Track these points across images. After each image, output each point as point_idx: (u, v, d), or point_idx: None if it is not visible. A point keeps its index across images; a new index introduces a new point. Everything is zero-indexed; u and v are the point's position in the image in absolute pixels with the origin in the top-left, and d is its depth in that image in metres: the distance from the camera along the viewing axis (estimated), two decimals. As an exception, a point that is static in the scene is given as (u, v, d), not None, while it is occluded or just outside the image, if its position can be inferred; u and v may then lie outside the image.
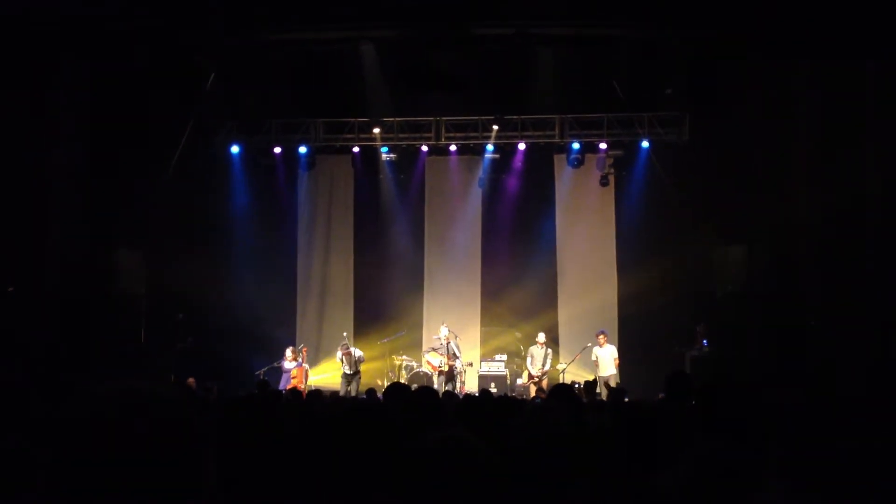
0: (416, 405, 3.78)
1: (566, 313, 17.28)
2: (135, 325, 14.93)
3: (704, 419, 2.78)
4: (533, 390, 14.52)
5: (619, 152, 16.75)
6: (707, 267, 15.31)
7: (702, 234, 15.41)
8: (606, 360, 14.81)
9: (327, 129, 16.93)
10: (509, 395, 13.68)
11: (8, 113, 12.94)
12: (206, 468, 1.38)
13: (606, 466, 2.92)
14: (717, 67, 14.68)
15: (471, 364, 16.12)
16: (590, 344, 15.16)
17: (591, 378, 13.69)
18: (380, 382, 15.63)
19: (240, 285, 16.59)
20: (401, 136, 16.85)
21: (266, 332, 16.56)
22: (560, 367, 15.47)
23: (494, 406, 4.70)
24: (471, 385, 15.95)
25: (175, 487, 1.32)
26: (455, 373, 15.20)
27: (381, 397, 9.63)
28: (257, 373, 14.87)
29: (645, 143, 16.35)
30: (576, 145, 16.47)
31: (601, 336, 14.97)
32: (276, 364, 15.29)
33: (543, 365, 15.01)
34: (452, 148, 16.99)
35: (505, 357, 16.27)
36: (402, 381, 14.68)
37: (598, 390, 13.04)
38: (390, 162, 17.31)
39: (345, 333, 16.05)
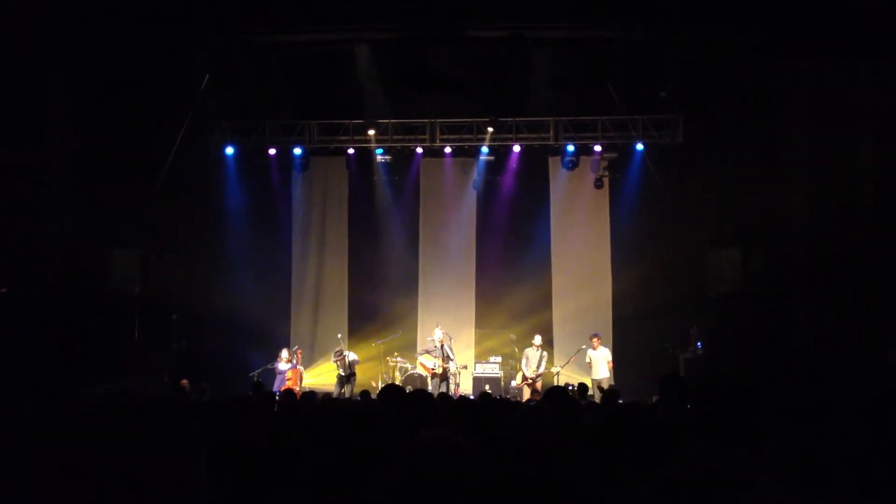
0: (411, 407, 3.77)
1: (560, 315, 17.29)
2: (128, 326, 14.89)
3: (700, 420, 2.78)
4: (527, 392, 14.52)
5: (613, 155, 16.79)
6: (701, 269, 15.34)
7: (696, 236, 15.45)
8: (600, 363, 14.85)
9: (322, 131, 16.93)
10: (504, 396, 13.68)
11: (1, 112, 12.91)
12: (198, 470, 1.37)
13: (601, 468, 2.92)
14: (710, 70, 14.73)
15: (465, 366, 16.12)
16: (584, 346, 15.19)
17: (584, 380, 13.71)
18: (374, 384, 15.61)
19: (234, 286, 16.57)
20: (395, 137, 16.85)
21: (260, 334, 16.55)
22: (555, 370, 15.48)
23: (489, 408, 4.70)
24: (465, 387, 15.95)
25: (167, 490, 1.31)
26: (449, 375, 15.20)
27: (376, 399, 9.62)
28: (251, 374, 14.85)
29: (639, 146, 16.39)
30: (570, 147, 16.50)
31: (595, 339, 15.01)
32: (270, 365, 15.26)
33: (538, 367, 15.02)
34: (447, 150, 17.00)
35: (499, 359, 16.28)
36: (397, 382, 14.68)
37: (590, 392, 13.06)
38: (385, 164, 17.33)
39: (339, 335, 16.06)
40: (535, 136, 16.72)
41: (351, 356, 15.30)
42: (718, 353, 14.40)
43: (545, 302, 17.32)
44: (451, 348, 15.34)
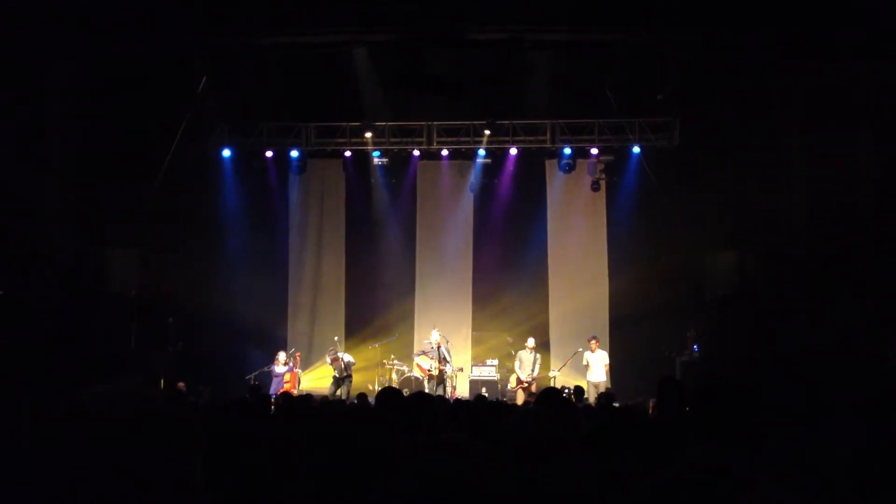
0: (410, 409, 3.77)
1: (557, 318, 17.30)
2: (125, 327, 14.87)
3: (698, 422, 2.78)
4: (521, 395, 14.47)
5: (610, 157, 16.82)
6: (698, 271, 15.35)
7: (692, 239, 15.46)
8: (597, 366, 14.84)
9: (319, 133, 16.93)
10: (501, 399, 13.66)
11: (0, 112, 12.89)
12: (196, 472, 1.37)
13: (599, 471, 2.92)
14: (707, 73, 14.75)
15: (461, 369, 16.11)
16: (581, 349, 15.19)
17: (581, 383, 13.71)
18: (371, 387, 15.59)
19: (231, 288, 16.55)
20: (392, 140, 16.86)
21: (257, 336, 16.54)
22: (552, 373, 15.47)
23: (486, 410, 4.70)
24: (462, 390, 15.94)
25: (164, 491, 1.31)
26: (445, 377, 15.18)
27: (373, 401, 9.61)
28: (248, 377, 14.82)
29: (636, 149, 16.41)
30: (567, 150, 16.51)
31: (593, 341, 14.99)
32: (267, 368, 15.24)
33: (532, 370, 14.99)
34: (444, 152, 17.00)
35: (496, 361, 16.27)
36: (393, 385, 14.66)
37: (586, 395, 13.04)
38: (382, 166, 17.33)
39: (336, 338, 16.03)
40: (532, 138, 16.73)
41: (347, 357, 15.28)
42: (715, 355, 14.41)
43: (542, 304, 17.33)
44: (447, 350, 15.34)
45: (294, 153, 16.89)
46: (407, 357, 16.50)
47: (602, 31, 13.50)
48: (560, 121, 16.47)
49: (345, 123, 16.67)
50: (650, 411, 9.51)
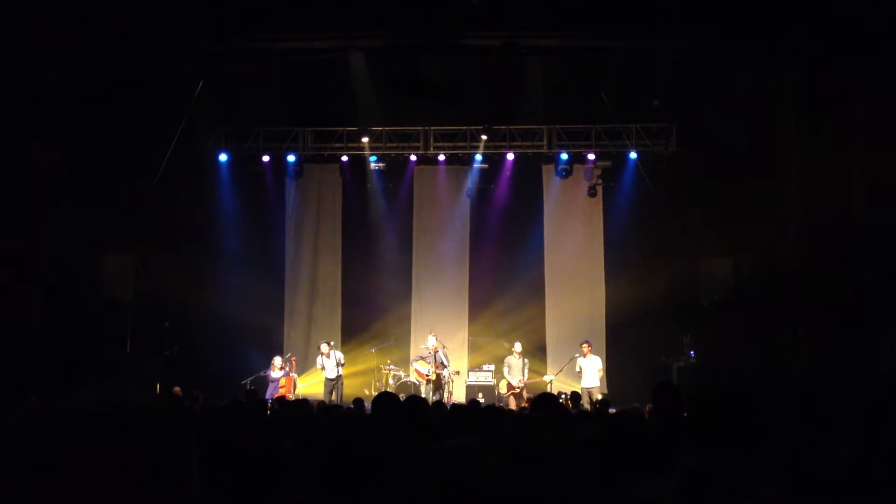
0: (406, 413, 3.77)
1: (554, 323, 17.31)
2: (121, 333, 14.84)
3: (695, 427, 2.78)
4: (513, 401, 14.39)
5: (606, 163, 16.84)
6: (694, 277, 15.36)
7: (688, 245, 15.49)
8: (590, 371, 14.65)
9: (315, 138, 16.95)
10: (497, 405, 13.64)
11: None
12: (191, 477, 1.37)
13: (594, 476, 2.92)
14: (703, 79, 14.78)
15: (458, 372, 16.10)
16: (577, 354, 15.15)
17: (575, 388, 13.67)
18: (367, 392, 15.56)
19: (228, 293, 16.53)
20: (389, 145, 16.88)
21: (253, 341, 16.50)
22: (547, 378, 15.45)
23: (482, 415, 4.69)
24: (458, 394, 15.93)
25: (159, 496, 1.30)
26: (443, 382, 15.17)
27: (370, 407, 9.60)
28: (244, 382, 14.79)
29: (633, 154, 16.44)
30: (564, 156, 16.54)
31: (585, 346, 14.78)
32: (263, 373, 15.20)
33: (522, 374, 14.92)
34: (441, 157, 17.03)
35: (493, 367, 16.24)
36: (390, 390, 14.62)
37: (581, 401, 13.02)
38: (378, 171, 17.33)
39: (332, 342, 15.95)
40: (528, 144, 16.77)
41: (338, 353, 15.19)
42: (712, 361, 14.42)
43: (538, 309, 17.34)
44: (445, 355, 15.32)
45: (291, 158, 16.91)
46: (404, 362, 16.50)
47: (597, 36, 13.52)
48: (557, 126, 16.51)
49: (341, 128, 16.68)
50: (646, 416, 9.50)
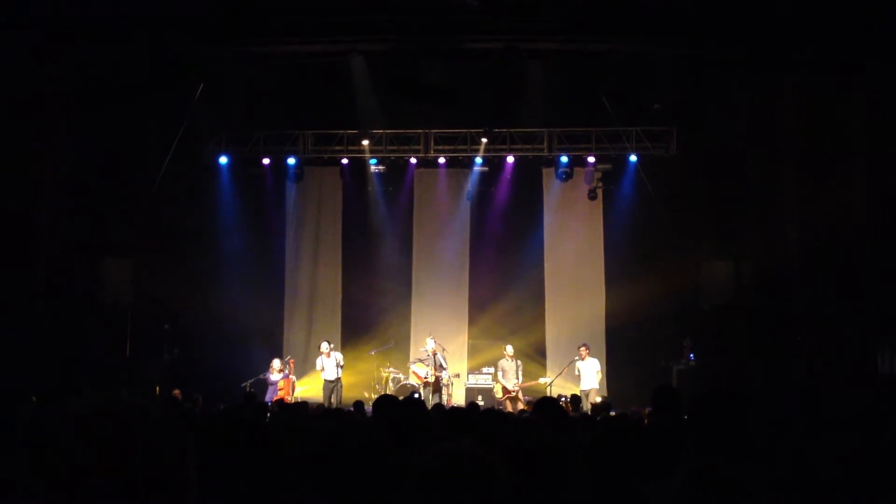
0: (405, 415, 3.77)
1: (554, 326, 17.29)
2: (121, 336, 14.83)
3: (695, 431, 2.78)
4: (509, 406, 14.35)
5: (607, 166, 16.84)
6: (694, 280, 15.35)
7: (689, 248, 15.48)
8: (589, 374, 14.59)
9: (316, 141, 16.95)
10: (496, 407, 13.63)
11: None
12: (190, 481, 1.37)
13: (594, 479, 2.92)
14: (704, 83, 14.79)
15: (457, 375, 16.08)
16: (576, 358, 15.12)
17: (574, 391, 13.64)
18: (367, 394, 15.56)
19: (227, 296, 16.50)
20: (389, 148, 16.88)
21: (253, 344, 16.47)
22: (543, 380, 15.43)
23: (482, 418, 4.69)
24: (458, 397, 15.92)
25: (159, 500, 1.31)
26: (441, 384, 15.15)
27: (370, 409, 9.61)
28: (244, 384, 14.77)
29: (633, 158, 16.43)
30: (564, 159, 16.52)
31: (583, 349, 14.72)
32: (262, 376, 15.18)
33: (517, 377, 14.88)
34: (441, 160, 17.03)
35: (492, 370, 16.22)
36: (390, 393, 14.61)
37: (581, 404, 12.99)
38: (379, 174, 17.33)
39: (331, 344, 15.89)
40: (529, 147, 16.77)
41: (337, 355, 15.17)
42: (711, 364, 14.41)
43: (538, 313, 17.32)
44: (444, 358, 15.31)
45: (291, 161, 16.90)
46: (403, 364, 16.48)
47: (597, 40, 13.54)
48: (557, 129, 16.50)
49: (342, 131, 16.69)
50: (645, 420, 9.50)
